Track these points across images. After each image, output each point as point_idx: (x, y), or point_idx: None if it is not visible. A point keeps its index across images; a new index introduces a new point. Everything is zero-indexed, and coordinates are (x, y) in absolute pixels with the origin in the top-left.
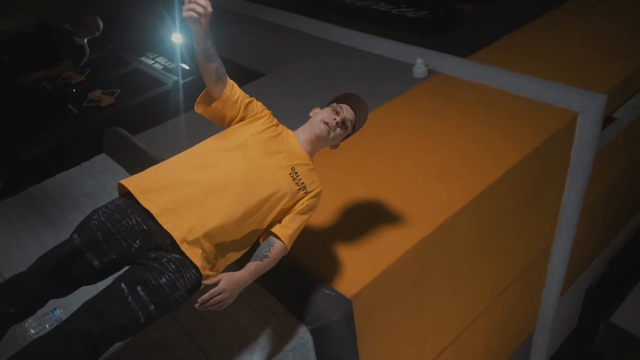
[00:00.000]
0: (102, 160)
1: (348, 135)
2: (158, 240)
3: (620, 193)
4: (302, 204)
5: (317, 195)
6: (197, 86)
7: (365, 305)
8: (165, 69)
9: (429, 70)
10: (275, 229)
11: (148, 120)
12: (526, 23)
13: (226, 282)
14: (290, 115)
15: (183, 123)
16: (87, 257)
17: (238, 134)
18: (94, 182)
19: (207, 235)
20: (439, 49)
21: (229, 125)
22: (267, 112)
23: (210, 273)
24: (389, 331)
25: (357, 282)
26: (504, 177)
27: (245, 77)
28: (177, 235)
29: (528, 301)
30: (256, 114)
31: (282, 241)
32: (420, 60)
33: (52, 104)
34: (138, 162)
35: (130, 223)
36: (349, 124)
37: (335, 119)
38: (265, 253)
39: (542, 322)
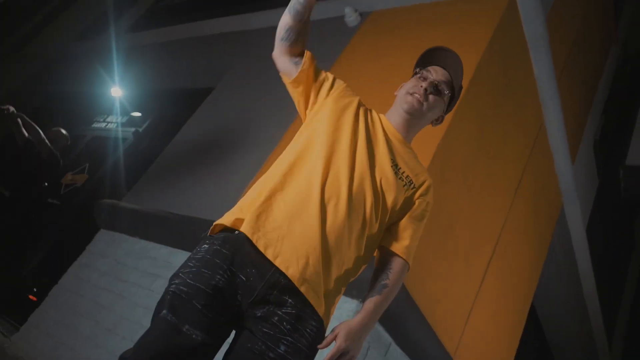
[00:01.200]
0: (103, 236)
1: (452, 102)
2: (263, 291)
3: (584, 48)
4: (414, 203)
5: (428, 189)
6: (156, 127)
7: None
8: (119, 124)
9: (361, 15)
10: (388, 243)
11: (129, 178)
12: None
13: (345, 338)
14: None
15: (161, 168)
16: (188, 333)
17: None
18: (105, 259)
19: (325, 262)
20: None
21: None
22: (349, 92)
23: (330, 317)
24: (429, 266)
25: None
26: (476, 74)
27: (197, 98)
28: (292, 273)
29: (546, 182)
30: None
31: (400, 257)
32: (349, 9)
33: (32, 205)
34: (138, 222)
35: (225, 275)
36: (443, 87)
37: (422, 86)
38: (383, 282)
39: (566, 194)
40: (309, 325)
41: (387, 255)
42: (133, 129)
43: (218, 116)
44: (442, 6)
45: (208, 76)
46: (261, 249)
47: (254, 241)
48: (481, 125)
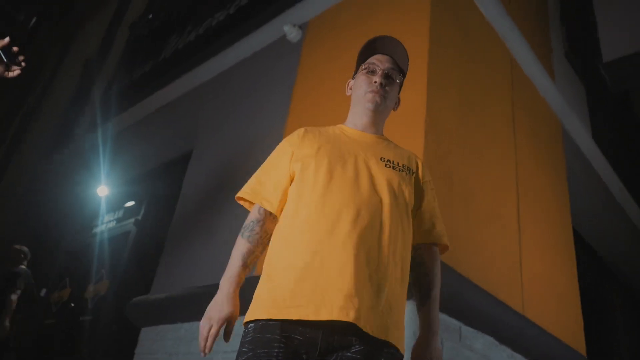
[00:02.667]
0: (146, 335)
1: (402, 82)
2: (325, 341)
3: None
4: (424, 190)
5: (424, 167)
6: (153, 208)
7: None
8: (119, 220)
9: (300, 27)
10: (422, 238)
11: (147, 268)
12: None
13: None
14: (241, 166)
15: (173, 248)
16: None
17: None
18: (156, 356)
19: (374, 293)
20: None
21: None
22: (300, 133)
23: (402, 329)
24: None
25: None
26: (432, 39)
27: (181, 165)
28: (345, 316)
29: (538, 109)
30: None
31: (436, 245)
32: (287, 27)
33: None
34: (173, 308)
35: (282, 345)
36: (393, 73)
37: (376, 82)
38: (427, 287)
39: (560, 111)
40: (383, 354)
41: (423, 249)
42: (133, 220)
43: (206, 179)
44: None
45: (184, 141)
46: (312, 318)
47: (304, 318)
48: (456, 85)
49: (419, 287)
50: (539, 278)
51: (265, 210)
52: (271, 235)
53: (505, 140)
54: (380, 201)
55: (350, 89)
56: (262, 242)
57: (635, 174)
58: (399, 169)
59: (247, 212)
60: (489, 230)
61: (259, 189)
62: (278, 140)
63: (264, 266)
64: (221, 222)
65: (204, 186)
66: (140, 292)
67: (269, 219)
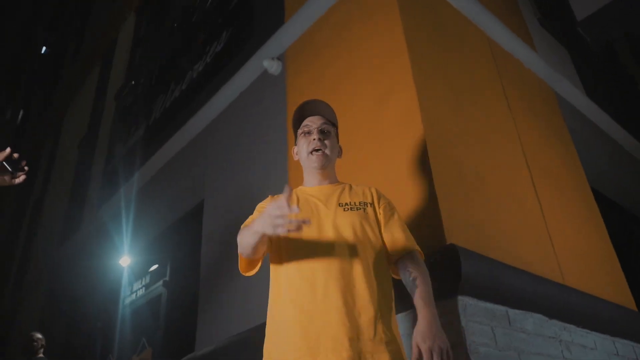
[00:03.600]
0: None
1: (337, 134)
2: None
3: None
4: (381, 213)
5: (379, 194)
6: (179, 267)
7: None
8: (146, 286)
9: (278, 59)
10: (393, 255)
11: (184, 327)
12: None
13: (422, 340)
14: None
15: (206, 303)
16: None
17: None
18: None
19: (355, 330)
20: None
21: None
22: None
23: (399, 342)
24: None
25: None
26: (409, 43)
27: (196, 217)
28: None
29: (527, 81)
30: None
31: (406, 254)
32: (267, 61)
33: None
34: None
35: None
36: (326, 127)
37: (314, 139)
38: (411, 278)
39: (549, 79)
40: None
41: (398, 263)
42: (161, 282)
43: (221, 226)
44: (339, 8)
45: (193, 193)
46: None
47: None
48: (442, 78)
49: (411, 287)
50: (570, 245)
51: None
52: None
53: (503, 118)
54: (346, 244)
55: (296, 154)
56: None
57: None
58: (357, 208)
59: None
60: (509, 211)
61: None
62: (283, 176)
63: (267, 325)
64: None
65: (220, 234)
66: (184, 351)
67: None
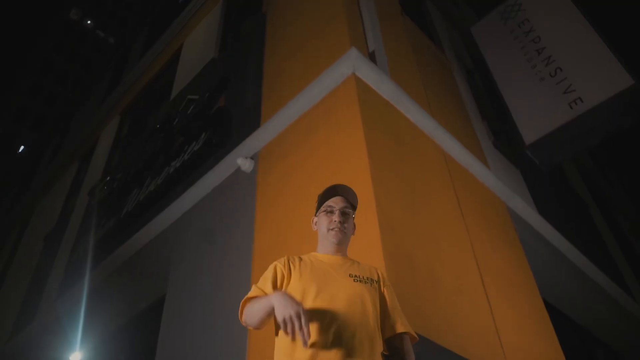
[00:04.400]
0: None
1: (354, 213)
2: None
3: (433, 82)
4: (386, 294)
5: (384, 276)
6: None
7: None
8: None
9: (252, 158)
10: (390, 332)
11: None
12: None
13: None
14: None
15: None
16: None
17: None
18: None
19: None
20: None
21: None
22: (285, 264)
23: None
24: None
25: None
26: (371, 152)
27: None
28: None
29: (480, 194)
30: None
31: (403, 335)
32: (240, 159)
33: None
34: None
35: None
36: (348, 210)
37: (335, 220)
38: None
39: (501, 194)
40: None
41: (395, 340)
42: None
43: (182, 323)
44: (309, 116)
45: (155, 287)
46: None
47: None
48: (399, 183)
49: None
50: (518, 345)
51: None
52: None
53: (455, 223)
54: (352, 309)
55: (315, 224)
56: None
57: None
58: (365, 281)
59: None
60: (458, 307)
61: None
62: (247, 276)
63: None
64: None
65: (180, 329)
66: None
67: None
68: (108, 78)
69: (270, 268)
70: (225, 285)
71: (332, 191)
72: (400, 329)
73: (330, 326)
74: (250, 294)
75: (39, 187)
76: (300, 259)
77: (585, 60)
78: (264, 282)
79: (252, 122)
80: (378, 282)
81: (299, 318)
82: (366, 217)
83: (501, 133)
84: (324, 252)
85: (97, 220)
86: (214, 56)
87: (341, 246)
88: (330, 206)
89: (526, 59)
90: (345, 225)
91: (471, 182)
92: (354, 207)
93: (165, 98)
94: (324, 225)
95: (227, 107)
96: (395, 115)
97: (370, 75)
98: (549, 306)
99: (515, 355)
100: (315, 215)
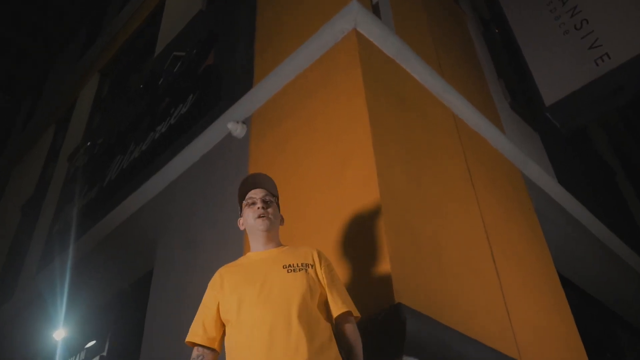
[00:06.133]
0: None
1: (278, 204)
2: None
3: (444, 35)
4: (322, 276)
5: (320, 256)
6: (118, 342)
7: None
8: None
9: (244, 122)
10: (334, 312)
11: None
12: None
13: None
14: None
15: None
16: None
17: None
18: None
19: None
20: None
21: None
22: (214, 284)
23: None
24: None
25: None
26: (371, 114)
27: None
28: None
29: (494, 161)
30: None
31: (342, 316)
32: (231, 124)
33: None
34: None
35: None
36: (268, 198)
37: (258, 208)
38: (346, 347)
39: (516, 160)
40: None
41: (341, 322)
42: (97, 357)
43: (171, 297)
44: (306, 76)
45: (143, 261)
46: None
47: None
48: (403, 149)
49: (345, 353)
50: (530, 324)
51: (201, 346)
52: None
53: (465, 193)
54: (287, 302)
55: (242, 224)
56: None
57: (611, 208)
58: (299, 269)
59: None
60: (465, 282)
61: (194, 330)
62: (240, 246)
63: None
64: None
65: (169, 306)
66: None
67: (207, 352)
68: (85, 32)
69: (204, 298)
70: (215, 259)
71: (249, 185)
72: (340, 309)
73: (264, 325)
74: (188, 338)
75: (13, 154)
76: (235, 266)
77: (615, 11)
78: (196, 325)
79: (244, 82)
80: (313, 265)
81: None
82: (367, 189)
83: (519, 93)
84: (256, 249)
85: (79, 189)
86: (202, 8)
87: (271, 233)
88: (250, 198)
89: (549, 9)
90: (270, 210)
91: (484, 148)
92: (275, 196)
93: (149, 54)
94: (249, 217)
95: (217, 65)
96: (401, 75)
97: (374, 31)
98: (567, 282)
99: (525, 335)
100: (240, 216)
